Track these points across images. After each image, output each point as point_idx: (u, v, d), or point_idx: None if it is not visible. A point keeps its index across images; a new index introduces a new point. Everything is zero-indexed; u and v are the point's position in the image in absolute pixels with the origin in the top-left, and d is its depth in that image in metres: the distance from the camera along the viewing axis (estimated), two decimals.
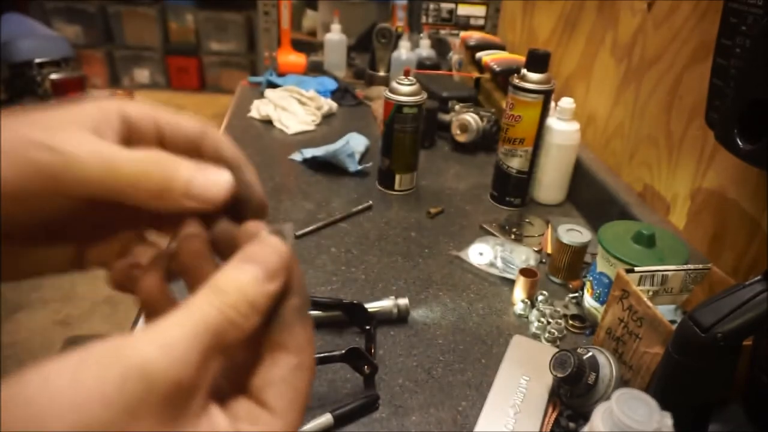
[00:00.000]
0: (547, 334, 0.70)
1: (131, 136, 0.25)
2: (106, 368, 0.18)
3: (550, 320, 0.72)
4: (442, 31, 1.84)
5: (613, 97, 1.00)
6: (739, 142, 0.54)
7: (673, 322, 0.55)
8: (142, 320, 0.67)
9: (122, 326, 1.93)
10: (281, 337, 0.23)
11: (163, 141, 0.26)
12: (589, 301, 0.72)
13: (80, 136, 0.23)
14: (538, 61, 0.91)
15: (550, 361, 0.58)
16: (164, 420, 0.18)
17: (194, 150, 0.27)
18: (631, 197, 0.89)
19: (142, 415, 0.18)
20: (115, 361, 0.18)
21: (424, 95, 0.97)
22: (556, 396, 0.60)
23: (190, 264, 0.25)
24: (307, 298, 0.25)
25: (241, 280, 0.22)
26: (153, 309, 0.26)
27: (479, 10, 1.81)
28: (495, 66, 1.24)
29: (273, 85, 1.43)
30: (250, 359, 0.23)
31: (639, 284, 0.61)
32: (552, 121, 0.96)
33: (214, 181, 0.25)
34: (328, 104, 1.37)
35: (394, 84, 0.96)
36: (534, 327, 0.71)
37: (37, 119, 0.23)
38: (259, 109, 1.32)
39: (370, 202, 0.98)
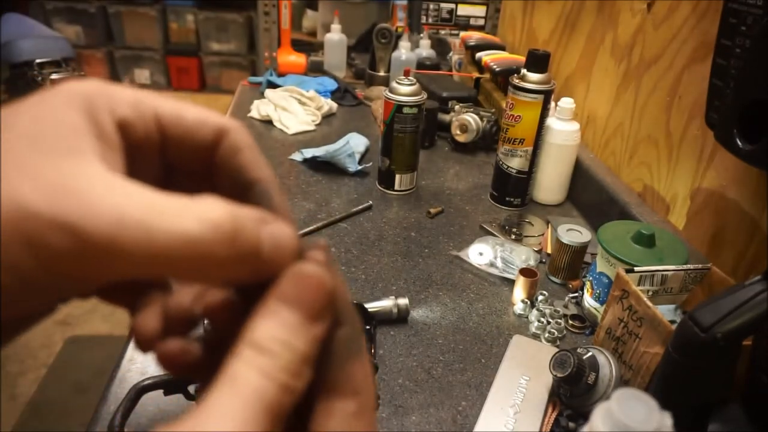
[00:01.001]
0: (546, 334, 0.70)
1: (131, 147, 0.20)
2: None
3: (550, 320, 0.72)
4: (442, 31, 1.84)
5: (612, 97, 1.00)
6: (739, 142, 0.54)
7: (672, 322, 0.55)
8: None
9: (122, 326, 1.93)
10: (334, 379, 0.19)
11: (165, 147, 0.20)
12: (588, 301, 0.72)
13: (96, 183, 0.16)
14: (537, 61, 0.91)
15: (550, 361, 0.58)
16: None
17: (205, 158, 0.21)
18: (631, 197, 0.89)
19: None
20: None
21: (424, 95, 0.97)
22: (555, 396, 0.60)
23: (223, 332, 0.21)
24: (358, 326, 0.21)
25: (284, 331, 0.18)
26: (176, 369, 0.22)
27: (479, 10, 1.82)
28: (495, 66, 1.24)
29: (273, 85, 1.43)
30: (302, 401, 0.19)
31: (639, 284, 0.61)
32: (552, 121, 0.96)
33: (286, 245, 0.19)
34: (328, 104, 1.37)
35: (394, 84, 0.96)
36: (534, 327, 0.71)
37: (18, 154, 0.16)
38: (259, 109, 1.32)
39: (370, 202, 0.98)
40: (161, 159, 0.21)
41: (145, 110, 0.20)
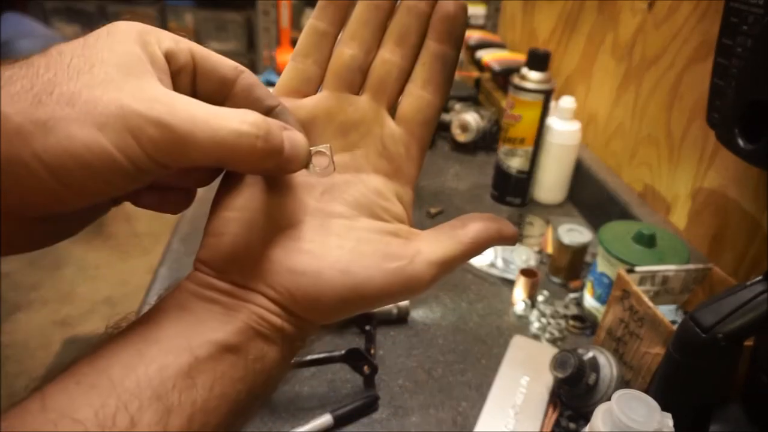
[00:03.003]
0: (547, 335, 0.70)
1: (174, 73, 0.24)
2: (400, 260, 0.27)
3: (551, 320, 0.72)
4: None
5: (613, 96, 1.00)
6: (740, 142, 0.54)
7: (673, 322, 0.55)
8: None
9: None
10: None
11: (196, 77, 0.25)
12: (589, 301, 0.72)
13: (168, 95, 0.22)
14: (538, 60, 0.91)
15: (551, 361, 0.57)
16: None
17: (226, 90, 0.26)
18: (632, 197, 0.89)
19: (393, 299, 0.27)
20: (405, 264, 0.27)
21: None
22: (556, 396, 0.60)
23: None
24: None
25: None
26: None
27: (479, 10, 1.81)
28: (495, 65, 1.24)
29: (273, 85, 1.42)
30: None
31: (640, 284, 0.61)
32: (552, 121, 0.96)
33: (300, 146, 0.25)
34: None
35: None
36: (534, 327, 0.71)
37: (112, 77, 0.21)
38: None
39: None
40: (192, 88, 0.26)
41: (182, 45, 0.25)
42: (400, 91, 0.30)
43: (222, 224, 0.25)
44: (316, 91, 0.31)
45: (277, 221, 0.26)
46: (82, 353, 0.23)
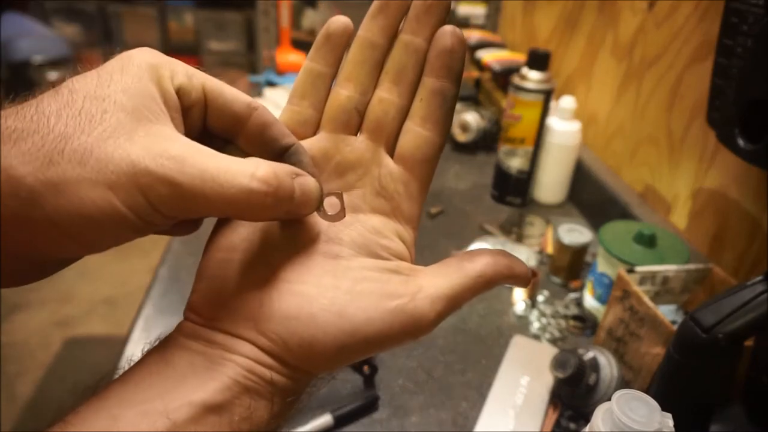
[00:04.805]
0: (547, 335, 0.70)
1: (184, 109, 0.24)
2: (392, 304, 0.25)
3: (551, 320, 0.72)
4: None
5: (613, 96, 1.00)
6: (741, 142, 0.54)
7: (674, 322, 0.55)
8: (141, 321, 0.67)
9: (121, 326, 1.93)
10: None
11: (207, 112, 0.25)
12: (589, 301, 0.72)
13: (180, 146, 0.22)
14: (538, 60, 0.91)
15: (551, 361, 0.57)
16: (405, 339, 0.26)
17: (238, 127, 0.26)
18: (632, 197, 0.89)
19: (396, 342, 0.25)
20: (406, 302, 0.26)
21: None
22: (556, 397, 0.60)
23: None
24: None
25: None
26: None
27: (479, 10, 1.81)
28: (495, 65, 1.24)
29: (273, 85, 1.42)
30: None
31: (640, 284, 0.61)
32: (552, 121, 0.96)
33: (312, 191, 0.25)
34: None
35: None
36: (534, 327, 0.71)
37: (123, 124, 0.21)
38: None
39: None
40: (203, 123, 0.26)
41: (195, 81, 0.24)
42: (399, 129, 0.29)
43: (212, 266, 0.25)
44: (314, 133, 0.29)
45: (271, 263, 0.25)
46: (55, 419, 0.22)
